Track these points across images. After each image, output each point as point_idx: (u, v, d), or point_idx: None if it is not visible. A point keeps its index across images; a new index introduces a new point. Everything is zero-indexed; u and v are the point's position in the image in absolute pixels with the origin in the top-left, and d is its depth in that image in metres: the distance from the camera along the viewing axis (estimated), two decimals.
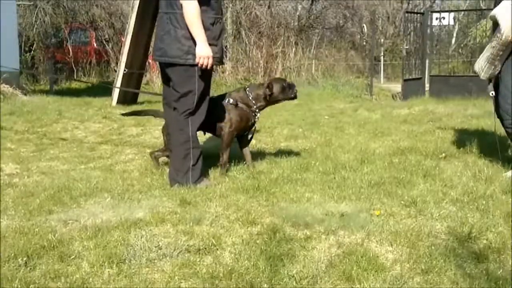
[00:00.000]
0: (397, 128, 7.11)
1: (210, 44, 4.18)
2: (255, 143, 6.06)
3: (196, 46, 4.13)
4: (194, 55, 4.15)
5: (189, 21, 4.09)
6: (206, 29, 4.16)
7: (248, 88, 4.91)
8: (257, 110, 4.84)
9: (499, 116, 4.58)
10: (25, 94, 10.65)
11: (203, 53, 4.13)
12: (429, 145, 5.72)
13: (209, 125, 4.66)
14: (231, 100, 4.75)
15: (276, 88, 4.84)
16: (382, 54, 20.56)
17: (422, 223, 3.35)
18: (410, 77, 13.47)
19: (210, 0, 4.20)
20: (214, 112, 4.62)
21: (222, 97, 4.83)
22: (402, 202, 3.75)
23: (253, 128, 4.96)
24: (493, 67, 4.48)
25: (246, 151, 4.94)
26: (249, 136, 4.94)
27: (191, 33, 4.12)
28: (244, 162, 4.89)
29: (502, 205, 3.60)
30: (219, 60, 4.39)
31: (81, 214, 3.60)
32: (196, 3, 4.07)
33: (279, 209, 3.64)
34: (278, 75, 15.90)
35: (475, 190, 3.94)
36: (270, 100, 4.87)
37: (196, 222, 3.38)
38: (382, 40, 21.29)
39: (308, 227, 3.30)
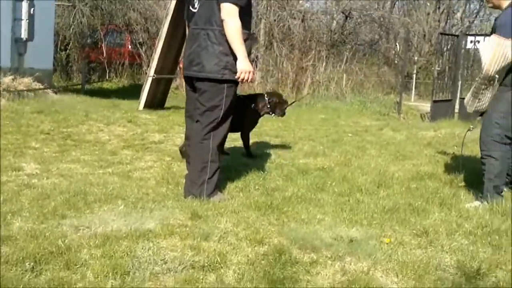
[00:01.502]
0: (419, 152, 7.02)
1: None
2: (274, 158, 6.07)
3: (238, 61, 4.19)
4: (230, 70, 4.23)
5: (231, 37, 4.14)
6: None
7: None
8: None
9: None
10: (56, 93, 10.85)
11: (245, 67, 4.20)
12: (450, 171, 5.63)
13: None
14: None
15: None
16: (415, 71, 20.38)
17: (431, 255, 3.31)
18: (440, 99, 13.31)
19: (245, 17, 4.26)
20: None
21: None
22: (414, 231, 3.71)
23: None
24: (477, 100, 4.62)
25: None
26: None
27: (229, 48, 4.19)
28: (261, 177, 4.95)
29: None
30: None
31: (93, 220, 3.64)
32: (238, 19, 4.13)
33: (289, 229, 3.63)
34: (306, 88, 15.92)
35: (490, 223, 3.86)
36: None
37: (204, 238, 3.39)
38: (416, 58, 21.10)
39: (315, 251, 3.28)
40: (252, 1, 4.46)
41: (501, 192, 4.54)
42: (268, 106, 6.06)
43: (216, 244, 3.33)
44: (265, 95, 6.15)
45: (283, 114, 6.29)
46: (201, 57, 4.26)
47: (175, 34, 10.38)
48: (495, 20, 4.71)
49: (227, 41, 4.17)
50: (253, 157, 6.01)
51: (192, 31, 4.37)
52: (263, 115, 6.18)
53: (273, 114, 6.17)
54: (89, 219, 3.67)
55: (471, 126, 5.02)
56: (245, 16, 4.25)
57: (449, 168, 5.79)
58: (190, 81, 4.45)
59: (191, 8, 4.36)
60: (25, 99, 9.54)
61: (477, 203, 4.49)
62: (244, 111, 5.77)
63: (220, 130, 4.37)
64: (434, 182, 5.24)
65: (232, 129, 5.25)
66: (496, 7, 4.66)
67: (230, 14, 4.11)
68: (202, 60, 4.26)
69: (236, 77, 4.21)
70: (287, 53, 16.07)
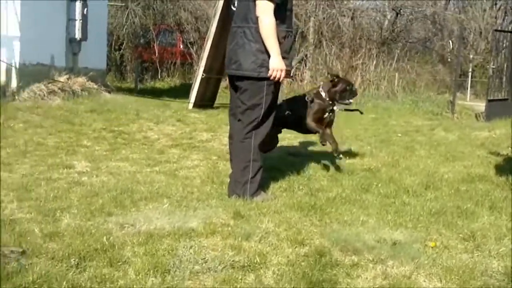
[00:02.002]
0: (471, 153, 6.82)
1: (282, 58, 4.22)
2: (319, 158, 6.01)
3: (270, 58, 4.18)
4: (267, 68, 4.21)
5: (265, 34, 4.14)
6: (278, 42, 4.20)
7: (321, 86, 5.54)
8: (330, 103, 5.41)
9: None
10: (109, 92, 11.11)
11: (277, 65, 4.17)
12: (502, 173, 5.44)
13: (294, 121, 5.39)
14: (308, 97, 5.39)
15: (340, 86, 5.45)
16: (470, 70, 19.78)
17: (477, 260, 3.21)
18: (496, 98, 12.89)
19: (283, 14, 4.24)
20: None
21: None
22: (461, 235, 3.61)
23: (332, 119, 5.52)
24: None
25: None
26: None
27: (265, 46, 4.18)
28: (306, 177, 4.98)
29: None
30: (288, 73, 4.42)
31: (138, 218, 3.71)
32: (273, 16, 4.12)
33: (331, 231, 3.60)
34: (357, 87, 15.73)
35: None
36: (334, 95, 5.43)
37: (245, 238, 3.40)
38: (472, 56, 20.48)
39: (356, 253, 3.24)
40: None
41: None
42: (337, 91, 5.38)
43: (257, 244, 3.33)
44: (330, 81, 5.45)
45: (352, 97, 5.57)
46: (238, 55, 4.28)
47: (223, 33, 10.41)
48: None
49: None
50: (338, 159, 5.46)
51: (231, 29, 4.40)
52: (333, 104, 5.41)
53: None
54: (134, 217, 3.75)
55: None
56: (284, 12, 4.24)
57: (502, 170, 5.59)
58: (232, 80, 4.49)
59: (232, 7, 4.39)
60: (79, 98, 9.81)
61: None
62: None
63: (261, 129, 4.37)
64: (485, 185, 5.07)
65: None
66: None
67: (264, 11, 4.10)
68: (239, 58, 4.28)
69: (268, 75, 4.20)
70: (337, 52, 15.93)
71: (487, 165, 5.98)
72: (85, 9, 10.67)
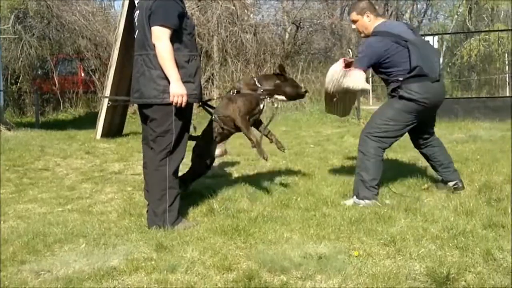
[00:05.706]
0: None
1: (187, 82, 4.17)
2: (237, 178, 6.01)
3: (170, 85, 4.11)
4: (169, 93, 4.13)
5: (161, 60, 4.09)
6: (181, 67, 4.15)
7: (255, 76, 5.07)
8: (264, 94, 4.96)
9: None
10: (9, 130, 10.55)
11: (177, 91, 4.11)
12: (412, 174, 5.66)
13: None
14: (234, 91, 4.96)
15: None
16: (371, 74, 20.58)
17: (400, 264, 3.30)
18: None
19: (183, 38, 4.20)
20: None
21: None
22: (382, 240, 3.70)
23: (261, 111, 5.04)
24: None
25: (266, 131, 5.09)
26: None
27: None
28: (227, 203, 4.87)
29: (482, 242, 3.55)
30: (197, 97, 4.37)
31: (54, 263, 3.51)
32: (168, 42, 4.07)
33: (257, 252, 3.57)
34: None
35: (455, 225, 3.88)
36: (278, 87, 5.02)
37: (170, 270, 3.30)
38: None
39: (284, 272, 3.23)
40: (194, 22, 4.40)
41: (372, 188, 4.70)
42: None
43: (183, 275, 3.25)
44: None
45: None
46: (140, 83, 4.22)
47: (126, 59, 10.22)
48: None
49: None
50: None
51: (134, 58, 4.32)
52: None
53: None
54: (49, 262, 3.54)
55: None
56: (183, 36, 4.20)
57: (412, 171, 5.82)
58: (140, 109, 4.39)
59: (134, 35, 4.32)
60: None
61: (350, 201, 4.72)
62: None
63: (175, 155, 4.28)
64: (398, 187, 5.26)
65: None
66: (367, 36, 5.04)
67: (158, 38, 4.06)
68: (141, 87, 4.22)
69: (169, 101, 4.15)
70: (242, 68, 16.11)
71: (397, 167, 6.21)
72: None
